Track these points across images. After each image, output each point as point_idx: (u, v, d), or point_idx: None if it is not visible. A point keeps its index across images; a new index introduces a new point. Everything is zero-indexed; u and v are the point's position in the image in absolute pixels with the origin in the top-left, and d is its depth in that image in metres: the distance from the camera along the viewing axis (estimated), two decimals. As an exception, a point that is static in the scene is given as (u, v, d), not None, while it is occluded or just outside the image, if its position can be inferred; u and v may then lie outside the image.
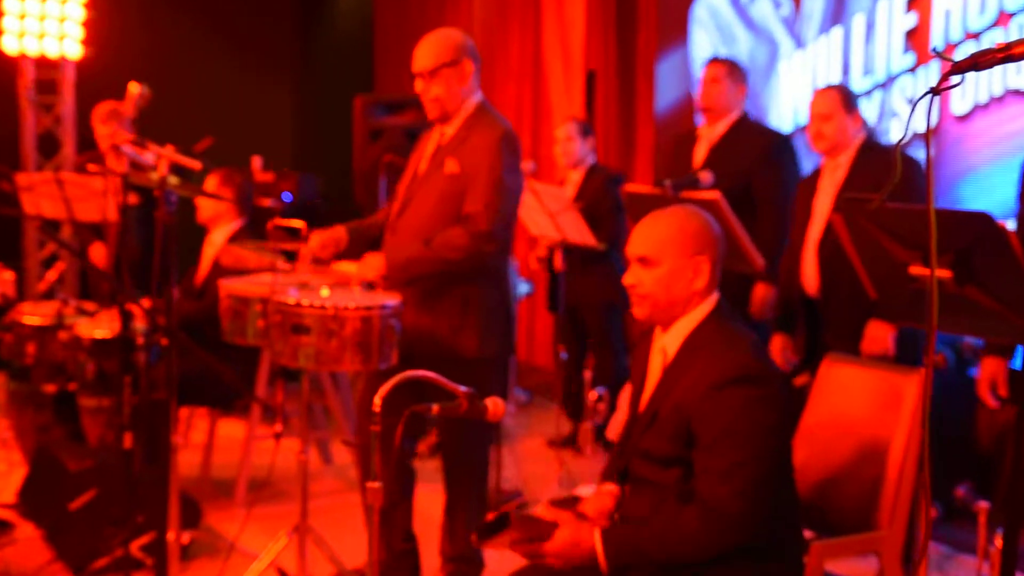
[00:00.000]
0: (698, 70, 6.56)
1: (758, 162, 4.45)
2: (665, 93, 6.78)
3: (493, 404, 2.40)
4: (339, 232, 3.61)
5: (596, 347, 5.58)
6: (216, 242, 4.82)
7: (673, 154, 4.80)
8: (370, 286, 3.60)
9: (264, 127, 9.01)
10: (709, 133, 4.62)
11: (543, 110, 7.70)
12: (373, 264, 3.47)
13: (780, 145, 4.56)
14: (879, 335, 3.84)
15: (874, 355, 3.81)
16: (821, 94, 4.04)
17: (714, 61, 4.63)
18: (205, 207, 4.83)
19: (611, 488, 2.65)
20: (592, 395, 5.13)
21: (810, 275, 4.09)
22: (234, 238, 4.76)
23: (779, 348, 4.22)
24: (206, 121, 7.78)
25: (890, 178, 2.06)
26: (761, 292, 4.42)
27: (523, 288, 6.10)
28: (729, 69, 4.58)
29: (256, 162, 7.56)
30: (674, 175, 4.17)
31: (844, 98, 4.00)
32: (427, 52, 3.49)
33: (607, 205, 5.42)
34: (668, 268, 2.48)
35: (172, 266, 3.21)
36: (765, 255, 4.03)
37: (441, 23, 8.44)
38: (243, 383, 4.51)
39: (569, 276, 5.41)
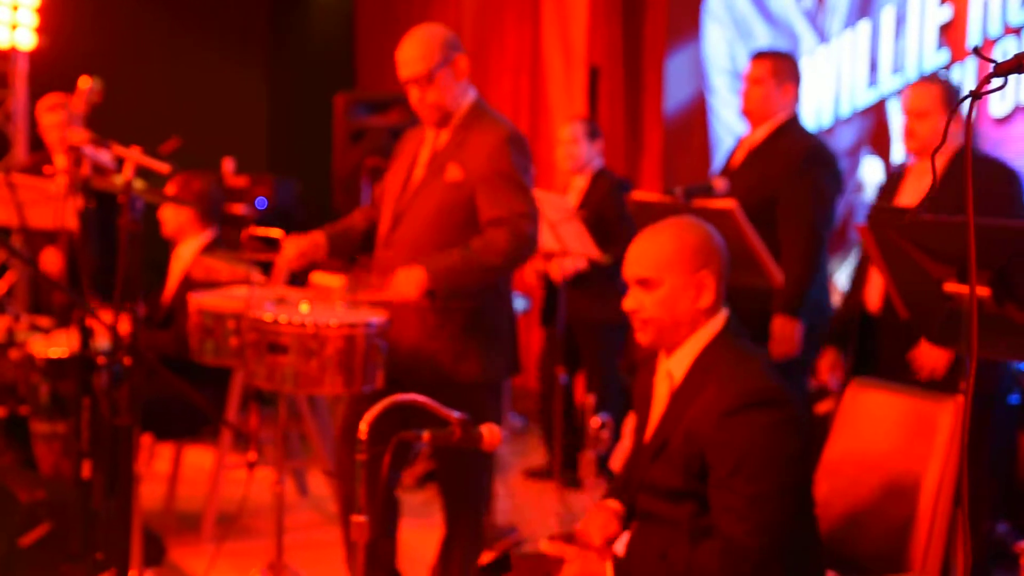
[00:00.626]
0: (711, 66, 6.61)
1: (784, 172, 4.26)
2: (675, 92, 6.80)
3: (488, 432, 2.42)
4: (317, 238, 3.59)
5: (590, 370, 5.59)
6: (184, 256, 4.81)
7: (725, 162, 4.61)
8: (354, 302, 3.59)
9: (236, 127, 9.01)
10: (750, 138, 4.45)
11: (541, 109, 7.72)
12: (412, 279, 3.35)
13: (813, 154, 4.33)
14: (930, 356, 3.79)
15: (923, 376, 3.80)
16: (919, 87, 3.92)
17: (758, 56, 4.43)
18: (170, 219, 4.81)
19: (613, 505, 2.65)
20: (594, 422, 5.13)
21: (874, 290, 4.02)
22: (206, 251, 4.76)
23: (828, 365, 4.14)
24: (173, 120, 7.77)
25: (932, 185, 2.04)
26: (780, 327, 4.20)
27: (519, 304, 6.11)
28: (775, 66, 4.38)
29: (227, 165, 7.56)
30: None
31: (946, 94, 3.88)
32: (415, 55, 3.47)
33: (614, 213, 5.43)
34: (670, 288, 2.49)
35: (137, 278, 3.21)
36: (786, 281, 3.96)
37: (429, 14, 8.46)
38: (213, 407, 4.50)
39: (566, 291, 5.43)
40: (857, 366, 4.08)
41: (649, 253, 2.52)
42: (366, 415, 2.28)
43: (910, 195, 3.96)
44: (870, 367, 3.95)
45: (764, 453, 2.35)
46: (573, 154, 5.62)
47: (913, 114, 3.89)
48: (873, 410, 2.95)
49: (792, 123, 4.40)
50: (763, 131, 4.41)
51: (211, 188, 4.87)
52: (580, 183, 5.64)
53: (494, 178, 3.42)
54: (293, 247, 3.54)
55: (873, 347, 4.04)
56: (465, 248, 3.38)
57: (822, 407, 5.00)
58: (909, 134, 3.90)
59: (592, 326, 5.55)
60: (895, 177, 4.09)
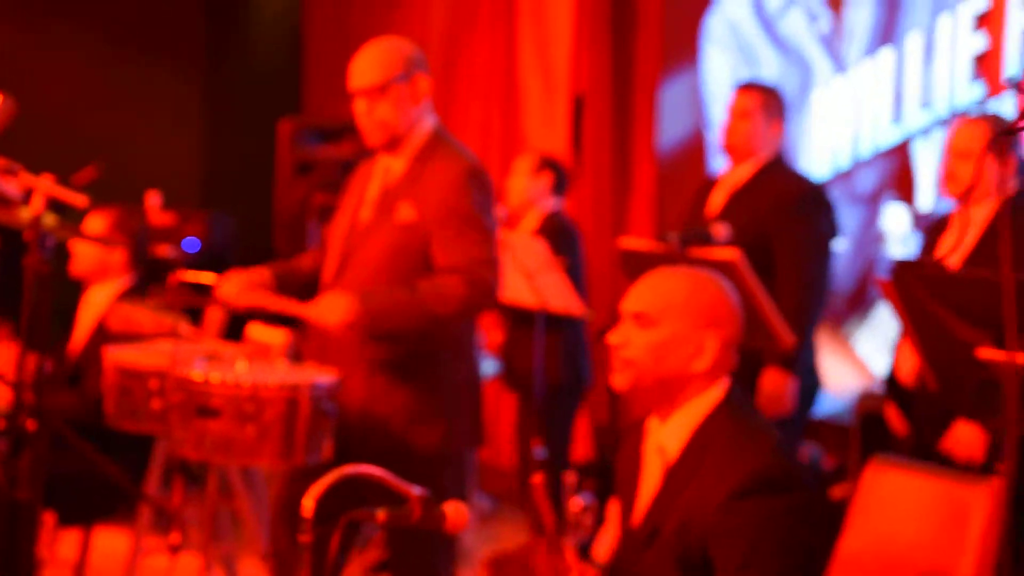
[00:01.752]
0: (711, 97, 6.67)
1: (779, 216, 4.41)
2: (670, 126, 6.84)
3: (454, 510, 2.41)
4: (262, 274, 3.59)
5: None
6: (97, 302, 4.77)
7: (691, 205, 4.76)
8: (297, 356, 3.59)
9: (163, 155, 8.99)
10: (731, 177, 4.61)
11: (515, 143, 7.74)
12: (338, 305, 3.36)
13: (810, 197, 4.51)
14: (967, 437, 3.72)
15: (960, 461, 3.78)
16: (968, 126, 3.95)
17: (747, 88, 4.59)
18: (84, 256, 4.78)
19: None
20: (574, 504, 5.11)
21: (905, 358, 3.96)
22: (123, 297, 4.73)
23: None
24: (91, 146, 7.73)
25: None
26: (773, 382, 4.32)
27: (488, 367, 6.10)
28: (765, 99, 4.54)
29: (152, 199, 7.53)
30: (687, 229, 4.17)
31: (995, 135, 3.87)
32: (370, 65, 3.53)
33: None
34: (666, 335, 2.51)
35: (45, 328, 3.19)
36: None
37: (389, 30, 8.48)
38: (129, 481, 4.45)
39: (510, 346, 5.54)
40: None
41: (656, 291, 2.55)
42: (312, 489, 2.27)
43: (949, 248, 3.95)
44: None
45: (778, 545, 2.35)
46: (514, 188, 5.69)
47: (957, 155, 3.90)
48: (896, 495, 2.95)
49: (778, 162, 4.57)
50: (747, 170, 4.56)
51: (142, 227, 4.86)
52: (529, 225, 5.70)
53: (451, 220, 3.44)
54: (235, 282, 3.53)
55: (910, 425, 4.04)
56: (411, 288, 3.39)
57: (837, 492, 5.01)
58: (950, 177, 3.92)
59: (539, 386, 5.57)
60: (935, 229, 4.11)
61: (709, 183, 4.75)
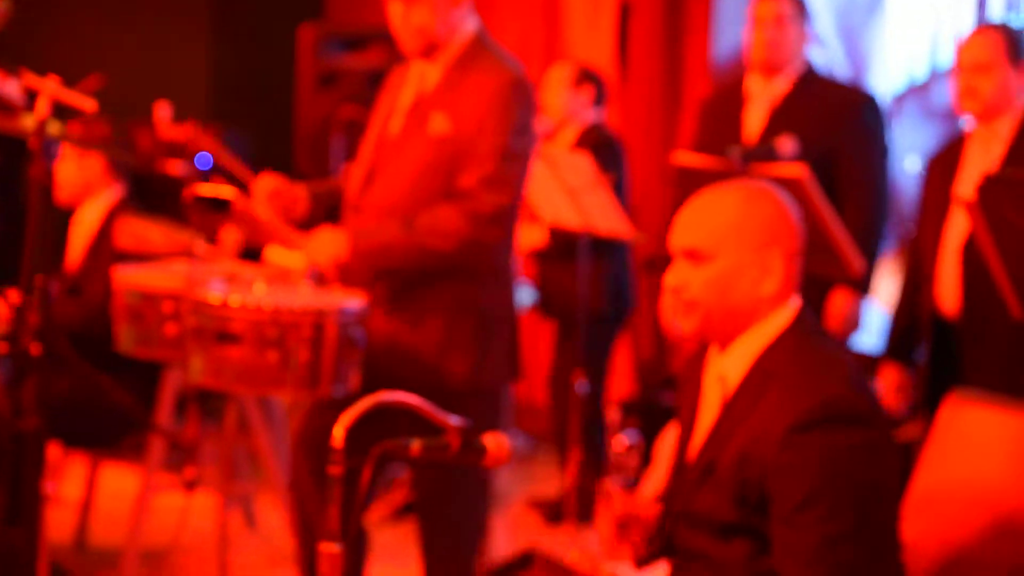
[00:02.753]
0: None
1: (844, 130, 4.52)
2: (726, 33, 6.78)
3: (495, 443, 2.40)
4: (297, 188, 3.62)
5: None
6: (89, 219, 4.81)
7: (711, 122, 4.81)
8: (320, 279, 3.59)
9: (173, 64, 8.97)
10: (766, 91, 4.65)
11: (559, 53, 7.70)
12: (328, 244, 3.43)
13: (872, 107, 4.64)
14: None
15: None
16: (978, 37, 4.05)
17: None
18: (71, 177, 4.79)
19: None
20: (618, 442, 5.12)
21: (948, 287, 4.05)
22: (116, 211, 4.77)
23: (893, 383, 4.22)
24: (93, 54, 7.75)
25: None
26: (842, 301, 4.46)
27: (525, 296, 6.10)
28: (795, 3, 4.63)
29: (162, 111, 7.53)
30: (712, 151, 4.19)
31: (1010, 44, 3.99)
32: None
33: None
34: (726, 265, 2.48)
35: (49, 244, 3.20)
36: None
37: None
38: (141, 410, 4.48)
39: (548, 272, 5.57)
40: (935, 382, 4.11)
41: (705, 220, 2.51)
42: (343, 417, 2.27)
43: (974, 168, 4.01)
44: (951, 383, 3.95)
45: (843, 482, 2.33)
46: (551, 101, 5.69)
47: (972, 68, 4.00)
48: (978, 432, 2.94)
49: (812, 72, 4.66)
50: (783, 83, 4.63)
51: (115, 133, 4.87)
52: (566, 139, 5.67)
53: (482, 135, 3.44)
54: (266, 182, 3.56)
55: (953, 358, 4.08)
56: (407, 225, 3.41)
57: (906, 433, 4.99)
58: (968, 92, 4.01)
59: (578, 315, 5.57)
60: (952, 148, 4.17)
61: (730, 97, 4.78)
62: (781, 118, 4.56)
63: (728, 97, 4.80)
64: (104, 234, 4.73)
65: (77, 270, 4.78)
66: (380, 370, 3.47)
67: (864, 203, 4.48)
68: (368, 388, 3.30)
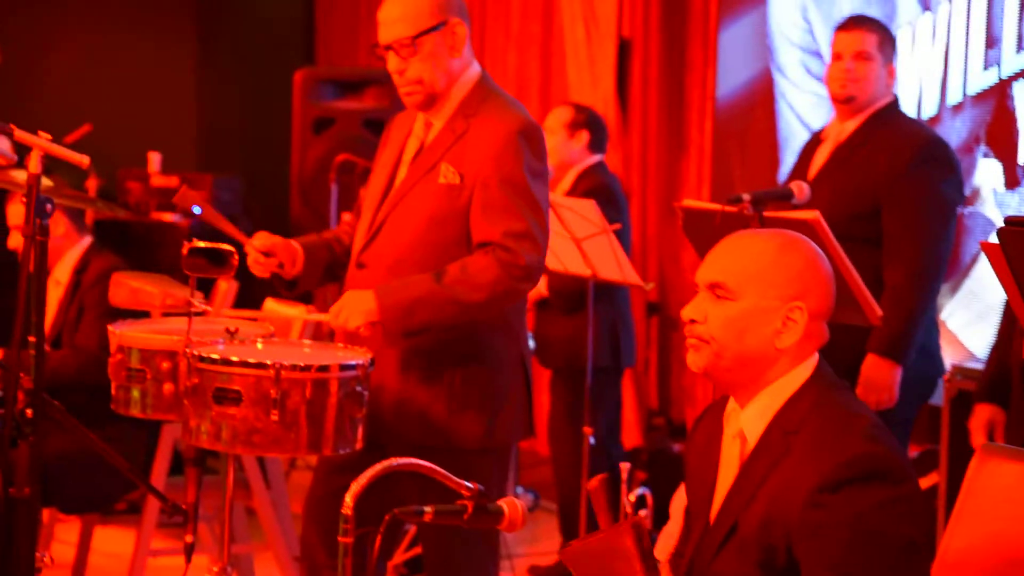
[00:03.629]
0: (778, 38, 6.59)
1: (889, 174, 4.25)
2: (730, 71, 6.79)
3: (511, 507, 2.39)
4: (293, 245, 3.59)
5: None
6: (62, 278, 4.86)
7: (796, 165, 4.63)
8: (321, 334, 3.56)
9: (165, 112, 9.01)
10: (836, 131, 4.45)
11: (557, 93, 7.71)
12: (358, 305, 3.39)
13: (928, 150, 4.32)
14: None
15: None
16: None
17: (859, 24, 4.44)
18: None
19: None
20: (630, 498, 5.08)
21: None
22: (88, 257, 4.81)
23: (983, 424, 4.09)
24: (83, 103, 7.77)
25: None
26: (874, 370, 4.21)
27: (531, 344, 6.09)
28: (882, 37, 4.39)
29: (153, 161, 7.54)
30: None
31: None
32: (399, 14, 3.47)
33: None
34: (747, 307, 2.47)
35: (42, 303, 3.17)
36: (888, 313, 3.92)
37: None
38: (137, 472, 4.45)
39: (546, 323, 5.57)
40: (1016, 429, 4.04)
41: (735, 258, 2.50)
42: (354, 484, 2.24)
43: None
44: None
45: (874, 541, 2.30)
46: (549, 146, 5.67)
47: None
48: (1011, 488, 2.89)
49: (892, 109, 4.40)
50: (854, 122, 4.40)
51: (71, 187, 4.96)
52: (565, 185, 5.67)
53: (496, 185, 3.41)
54: (263, 241, 3.53)
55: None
56: (437, 276, 3.38)
57: (924, 481, 4.96)
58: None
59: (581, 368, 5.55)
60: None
61: (816, 139, 4.61)
62: (838, 160, 4.37)
63: (816, 136, 4.60)
64: (77, 288, 4.79)
65: (51, 327, 4.81)
66: (391, 429, 3.46)
67: (907, 259, 4.21)
68: (379, 448, 3.35)
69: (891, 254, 4.22)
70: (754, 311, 2.46)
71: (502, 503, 2.40)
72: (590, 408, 5.39)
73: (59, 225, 4.81)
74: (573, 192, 5.61)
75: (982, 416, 4.13)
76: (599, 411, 5.62)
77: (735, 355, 2.47)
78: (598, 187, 5.57)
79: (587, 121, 5.74)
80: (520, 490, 6.61)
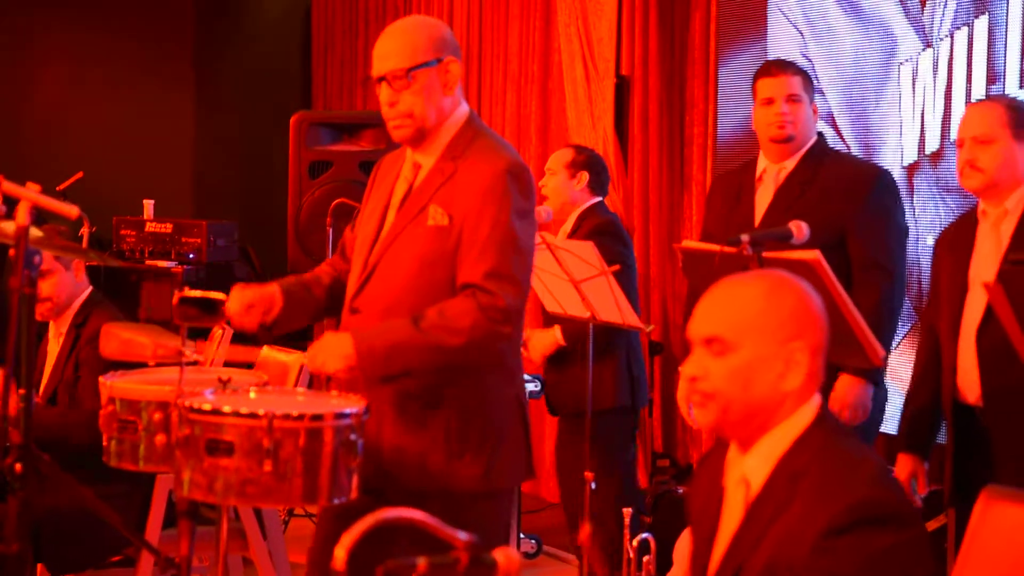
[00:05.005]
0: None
1: (853, 208, 4.46)
2: (730, 109, 6.80)
3: (505, 558, 2.37)
4: (270, 291, 3.59)
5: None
6: (62, 328, 4.87)
7: (726, 208, 4.75)
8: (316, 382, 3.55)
9: (159, 158, 9.03)
10: (776, 170, 4.62)
11: (556, 132, 7.72)
12: (335, 349, 3.39)
13: (884, 182, 4.58)
14: None
15: None
16: (979, 108, 4.12)
17: (783, 69, 4.63)
18: (50, 290, 4.80)
19: None
20: (633, 543, 5.07)
21: (968, 372, 4.05)
22: (87, 309, 4.79)
23: (906, 475, 4.21)
24: (74, 151, 7.79)
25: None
26: (849, 389, 4.41)
27: (529, 387, 6.08)
28: (805, 79, 4.63)
29: (148, 208, 7.57)
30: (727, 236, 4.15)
31: (1013, 117, 4.02)
32: (395, 47, 3.49)
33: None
34: (749, 356, 2.47)
35: (32, 355, 3.16)
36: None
37: (408, 13, 8.49)
38: (128, 526, 4.44)
39: (560, 369, 5.56)
40: (960, 472, 4.12)
41: (726, 309, 2.50)
42: (343, 538, 2.23)
43: (988, 248, 4.02)
44: (977, 477, 3.92)
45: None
46: (550, 188, 5.73)
47: (975, 142, 4.03)
48: (1012, 530, 2.89)
49: (820, 144, 4.63)
50: (792, 160, 4.60)
51: (61, 235, 4.92)
52: (567, 227, 5.69)
53: (480, 226, 3.41)
54: (240, 298, 3.53)
55: (978, 447, 4.05)
56: (415, 321, 3.37)
57: (930, 524, 4.94)
58: (970, 167, 4.04)
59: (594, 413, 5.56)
60: (963, 227, 4.17)
61: (742, 176, 4.75)
62: (789, 199, 4.53)
63: (741, 178, 4.74)
64: (76, 342, 4.79)
65: (48, 381, 4.82)
66: (389, 475, 3.45)
67: (875, 286, 4.41)
68: (375, 495, 3.31)
69: (860, 281, 4.39)
70: (756, 359, 2.47)
71: (496, 553, 2.38)
72: (604, 451, 5.40)
73: (79, 272, 4.83)
74: (575, 232, 5.62)
75: (904, 466, 4.23)
76: (622, 452, 5.63)
77: (743, 406, 2.48)
78: (602, 224, 5.58)
79: (587, 162, 5.75)
80: (522, 536, 6.59)
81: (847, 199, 4.46)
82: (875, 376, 4.39)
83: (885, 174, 4.64)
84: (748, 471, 2.50)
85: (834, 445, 2.46)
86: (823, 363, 2.51)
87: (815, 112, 4.63)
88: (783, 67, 4.64)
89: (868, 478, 2.38)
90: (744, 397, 2.47)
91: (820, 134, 4.66)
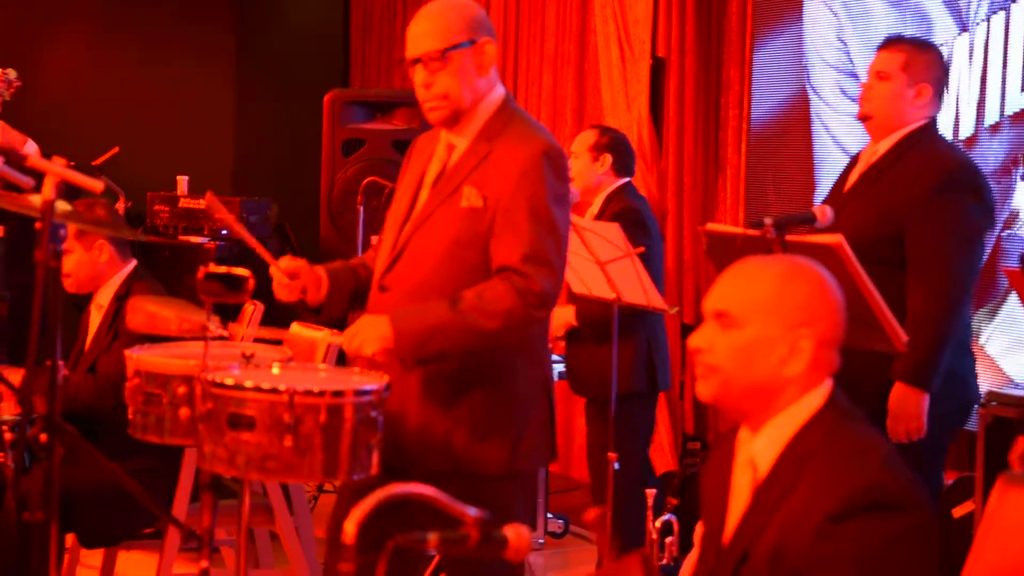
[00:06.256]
0: (814, 58, 6.59)
1: (913, 198, 4.18)
2: (765, 92, 6.78)
3: (515, 535, 2.38)
4: (318, 271, 3.59)
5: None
6: (104, 302, 4.88)
7: (838, 180, 4.56)
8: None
9: (194, 134, 9.06)
10: (871, 152, 4.38)
11: (591, 113, 7.72)
12: (372, 332, 3.39)
13: (953, 174, 4.22)
14: None
15: None
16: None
17: (888, 43, 4.36)
18: (82, 266, 4.84)
19: None
20: (656, 524, 5.08)
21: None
22: (129, 282, 4.82)
23: (1020, 457, 4.08)
24: (111, 126, 7.84)
25: None
26: (901, 399, 4.11)
27: (557, 368, 6.09)
28: (908, 57, 4.29)
29: (182, 184, 7.60)
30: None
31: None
32: (430, 29, 3.49)
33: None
34: (753, 335, 2.48)
35: (56, 327, 3.20)
36: (911, 340, 3.83)
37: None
38: (155, 500, 4.47)
39: (577, 352, 5.55)
40: (991, 462, 4.04)
41: (740, 286, 2.52)
42: (353, 513, 2.25)
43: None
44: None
45: (883, 573, 2.31)
46: (575, 170, 5.67)
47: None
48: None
49: (925, 132, 4.31)
50: (887, 143, 4.32)
51: (109, 211, 4.93)
52: (594, 209, 5.67)
53: (517, 209, 3.41)
54: (287, 264, 3.55)
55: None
56: (453, 304, 3.37)
57: (959, 510, 4.93)
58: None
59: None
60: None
61: (854, 160, 4.52)
62: (868, 182, 4.31)
63: (857, 155, 4.51)
64: (116, 314, 4.79)
65: (88, 351, 4.83)
66: (414, 455, 3.46)
67: (929, 285, 4.13)
68: (403, 473, 3.28)
69: (913, 280, 4.15)
70: (759, 339, 2.48)
71: (507, 530, 2.39)
72: (624, 435, 5.40)
73: (103, 252, 4.83)
74: (601, 216, 5.59)
75: (1021, 448, 4.12)
76: (636, 437, 5.63)
77: (742, 384, 2.49)
78: (625, 210, 5.54)
79: (610, 144, 5.70)
80: (550, 516, 6.61)
81: (910, 190, 4.18)
82: (925, 383, 4.09)
83: (962, 168, 4.27)
84: (755, 453, 2.52)
85: (842, 430, 2.46)
86: (832, 354, 2.51)
87: (919, 94, 4.26)
88: (888, 42, 4.37)
89: (875, 463, 2.38)
90: (743, 375, 2.49)
91: (931, 121, 4.32)
